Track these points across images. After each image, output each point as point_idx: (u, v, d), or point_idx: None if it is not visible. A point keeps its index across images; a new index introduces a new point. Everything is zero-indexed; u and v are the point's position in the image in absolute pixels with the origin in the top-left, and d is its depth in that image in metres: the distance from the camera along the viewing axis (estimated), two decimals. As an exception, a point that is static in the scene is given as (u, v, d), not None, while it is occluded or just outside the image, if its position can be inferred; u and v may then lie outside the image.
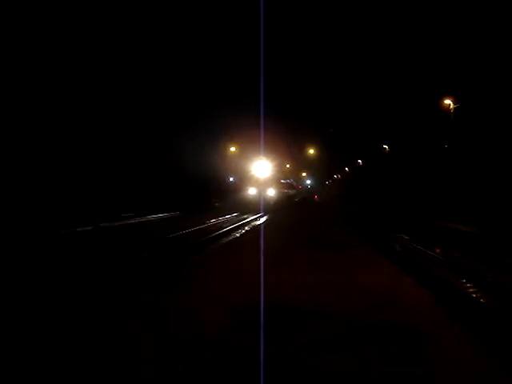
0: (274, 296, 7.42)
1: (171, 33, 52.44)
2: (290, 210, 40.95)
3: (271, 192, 40.22)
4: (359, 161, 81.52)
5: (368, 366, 4.73)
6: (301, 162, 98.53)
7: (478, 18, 32.36)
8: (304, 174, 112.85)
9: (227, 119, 45.33)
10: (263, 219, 28.43)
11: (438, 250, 15.45)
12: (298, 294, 7.80)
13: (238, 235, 19.11)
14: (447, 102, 34.30)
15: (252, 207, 35.69)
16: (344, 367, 4.69)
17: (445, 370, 4.68)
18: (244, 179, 40.18)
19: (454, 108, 33.76)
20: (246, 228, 22.43)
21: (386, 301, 7.37)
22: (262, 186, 38.62)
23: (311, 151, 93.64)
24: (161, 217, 29.94)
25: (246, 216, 30.20)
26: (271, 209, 36.37)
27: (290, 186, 60.64)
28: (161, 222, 26.94)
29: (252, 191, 38.68)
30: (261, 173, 39.64)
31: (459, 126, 33.41)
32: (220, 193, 43.63)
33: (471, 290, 9.54)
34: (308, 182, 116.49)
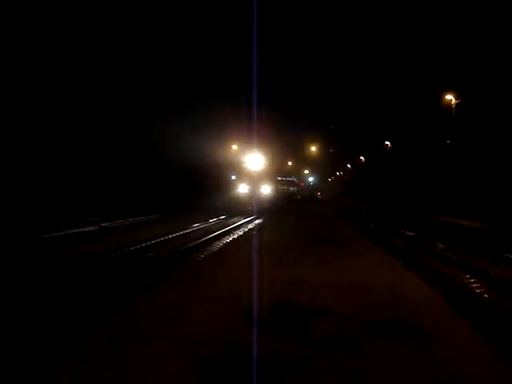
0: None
1: (160, 17, 49.55)
2: (289, 210, 35.38)
3: (266, 189, 34.00)
4: (361, 157, 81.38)
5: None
6: (303, 159, 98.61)
7: (478, 14, 32.24)
8: (306, 172, 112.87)
9: (224, 112, 40.88)
10: (256, 223, 23.12)
11: (444, 246, 15.40)
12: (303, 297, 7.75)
13: (218, 248, 14.13)
14: (449, 97, 34.19)
15: (243, 208, 29.90)
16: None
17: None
18: (236, 175, 34.02)
19: (456, 103, 33.66)
20: (234, 236, 17.46)
21: (396, 301, 7.37)
22: (255, 182, 32.85)
23: (313, 148, 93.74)
24: (131, 222, 23.09)
25: (235, 220, 24.62)
26: (267, 209, 30.53)
27: (292, 183, 60.14)
28: (127, 228, 20.51)
29: (243, 188, 32.48)
30: (254, 167, 33.41)
31: (461, 121, 33.30)
32: (216, 190, 37.72)
33: (473, 283, 9.55)
34: (310, 179, 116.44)
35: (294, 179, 67.39)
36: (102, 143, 31.87)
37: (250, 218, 24.89)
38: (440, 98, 35.27)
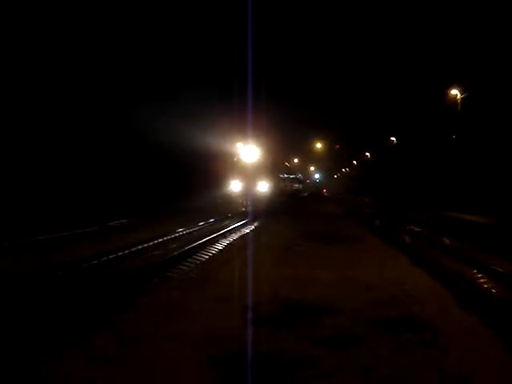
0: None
1: (153, 5, 47.80)
2: (292, 209, 31.01)
3: (264, 186, 28.57)
4: (367, 154, 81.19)
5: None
6: (309, 157, 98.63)
7: (484, 7, 32.05)
8: (312, 169, 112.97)
9: (220, 103, 35.95)
10: (250, 229, 19.30)
11: (450, 242, 15.36)
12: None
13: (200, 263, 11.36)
14: (454, 92, 34.00)
15: (236, 208, 25.94)
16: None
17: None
18: (229, 170, 28.68)
19: (462, 98, 33.47)
20: (220, 246, 14.28)
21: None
22: (250, 178, 27.76)
23: (319, 145, 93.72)
24: (105, 227, 18.60)
25: (225, 224, 20.62)
26: (264, 210, 25.69)
27: (297, 180, 59.85)
28: (97, 235, 16.06)
29: (236, 186, 27.45)
30: (249, 160, 27.96)
31: (467, 115, 33.11)
32: (207, 187, 33.99)
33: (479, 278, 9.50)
34: (316, 176, 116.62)
35: (300, 176, 67.14)
36: (82, 133, 28.12)
37: (243, 222, 21.23)
38: (445, 92, 35.10)
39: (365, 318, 6.11)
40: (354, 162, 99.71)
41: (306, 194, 68.01)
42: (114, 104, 31.28)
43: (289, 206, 34.47)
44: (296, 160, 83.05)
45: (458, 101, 33.68)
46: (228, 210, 25.38)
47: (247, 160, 27.96)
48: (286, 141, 54.32)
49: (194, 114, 35.40)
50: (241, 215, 23.58)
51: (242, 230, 18.84)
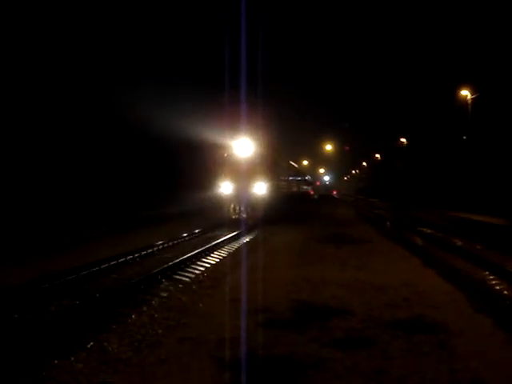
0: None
1: None
2: (296, 216, 26.54)
3: (261, 188, 22.88)
4: (377, 155, 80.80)
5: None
6: (318, 158, 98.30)
7: (495, 7, 31.86)
8: (322, 171, 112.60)
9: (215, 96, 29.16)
10: (242, 243, 16.08)
11: (463, 244, 15.24)
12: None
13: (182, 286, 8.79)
14: (464, 92, 33.74)
15: (227, 215, 22.12)
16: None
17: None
18: (219, 169, 23.24)
19: (472, 98, 33.21)
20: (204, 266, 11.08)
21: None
22: (245, 178, 22.67)
23: (328, 147, 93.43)
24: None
25: (213, 235, 17.73)
26: (263, 217, 22.12)
27: (306, 182, 59.26)
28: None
29: (226, 188, 22.40)
30: (244, 157, 22.69)
31: (478, 116, 32.83)
32: (194, 188, 29.54)
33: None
34: (326, 178, 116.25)
35: (309, 178, 66.66)
36: (48, 123, 24.98)
37: (235, 233, 17.42)
38: (456, 93, 34.85)
39: (377, 319, 6.09)
40: (364, 163, 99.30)
41: (315, 197, 67.59)
42: (95, 91, 27.98)
43: (295, 211, 30.53)
44: (306, 162, 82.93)
45: (469, 101, 33.42)
46: (218, 217, 22.09)
47: (241, 156, 22.90)
48: (296, 142, 53.94)
49: (183, 105, 31.64)
50: (233, 224, 20.14)
51: (233, 244, 15.56)
